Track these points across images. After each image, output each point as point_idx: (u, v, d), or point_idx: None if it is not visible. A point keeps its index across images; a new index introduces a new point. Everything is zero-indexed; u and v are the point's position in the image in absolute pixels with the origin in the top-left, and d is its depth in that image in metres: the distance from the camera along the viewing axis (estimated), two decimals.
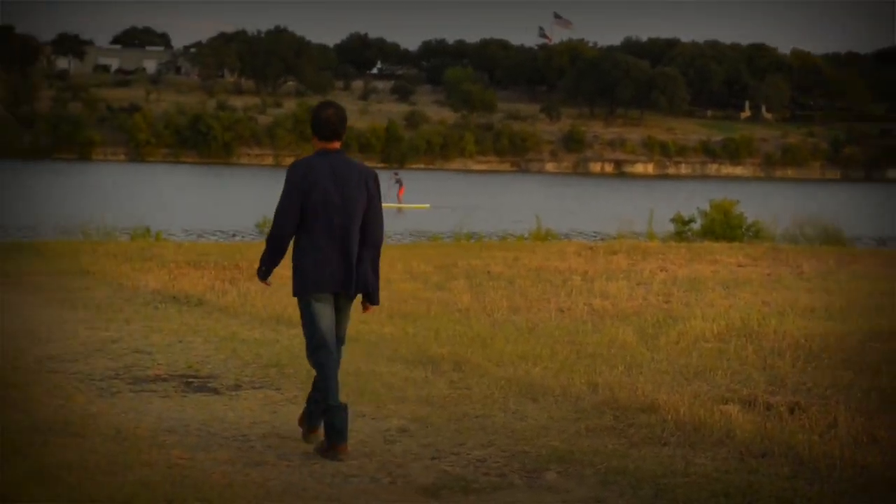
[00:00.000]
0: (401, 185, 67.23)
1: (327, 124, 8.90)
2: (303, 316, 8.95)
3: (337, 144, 8.97)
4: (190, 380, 11.30)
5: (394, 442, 9.22)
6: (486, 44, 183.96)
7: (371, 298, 9.03)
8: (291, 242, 8.95)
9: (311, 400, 9.07)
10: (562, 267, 20.93)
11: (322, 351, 8.82)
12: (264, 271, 9.17)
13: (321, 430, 8.94)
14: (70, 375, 11.35)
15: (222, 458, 8.60)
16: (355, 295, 8.94)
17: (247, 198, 70.22)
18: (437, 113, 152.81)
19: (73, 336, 13.47)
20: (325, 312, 8.85)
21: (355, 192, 8.81)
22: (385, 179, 74.10)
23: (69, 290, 16.97)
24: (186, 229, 46.13)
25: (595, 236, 43.70)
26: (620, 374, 11.51)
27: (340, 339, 9.04)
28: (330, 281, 8.82)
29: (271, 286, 9.67)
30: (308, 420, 9.14)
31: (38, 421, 9.35)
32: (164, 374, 11.50)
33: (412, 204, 65.07)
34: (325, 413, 8.76)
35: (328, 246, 8.79)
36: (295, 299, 9.12)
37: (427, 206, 64.43)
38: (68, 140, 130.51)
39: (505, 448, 9.05)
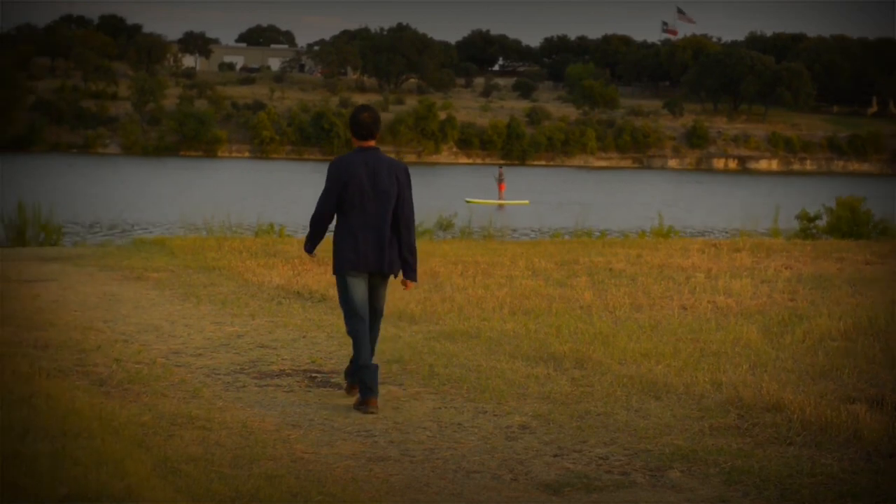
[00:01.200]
0: (502, 181, 67.15)
1: (363, 126, 10.23)
2: (339, 290, 10.30)
3: (372, 142, 10.27)
4: (313, 375, 11.38)
5: (515, 439, 9.21)
6: (608, 39, 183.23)
7: (408, 276, 10.39)
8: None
9: (352, 361, 10.35)
10: (685, 264, 20.75)
11: (355, 320, 10.15)
12: (310, 247, 10.57)
13: (366, 399, 10.03)
14: (196, 370, 11.49)
15: (345, 453, 8.66)
16: (388, 274, 10.27)
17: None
18: (558, 109, 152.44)
19: (199, 331, 13.64)
20: (357, 288, 10.17)
21: (387, 183, 10.14)
22: (489, 175, 74.18)
23: (194, 286, 17.18)
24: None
25: (719, 233, 43.26)
26: (745, 372, 11.37)
27: (379, 311, 10.41)
28: (363, 262, 10.14)
29: (316, 257, 10.94)
30: (350, 377, 10.50)
31: (164, 415, 9.48)
32: (288, 369, 11.59)
33: (512, 200, 64.94)
34: (357, 372, 10.09)
35: (362, 231, 10.14)
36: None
37: (526, 202, 64.20)
38: (194, 137, 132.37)
39: (627, 446, 9.00)
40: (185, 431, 8.97)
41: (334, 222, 10.40)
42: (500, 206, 62.20)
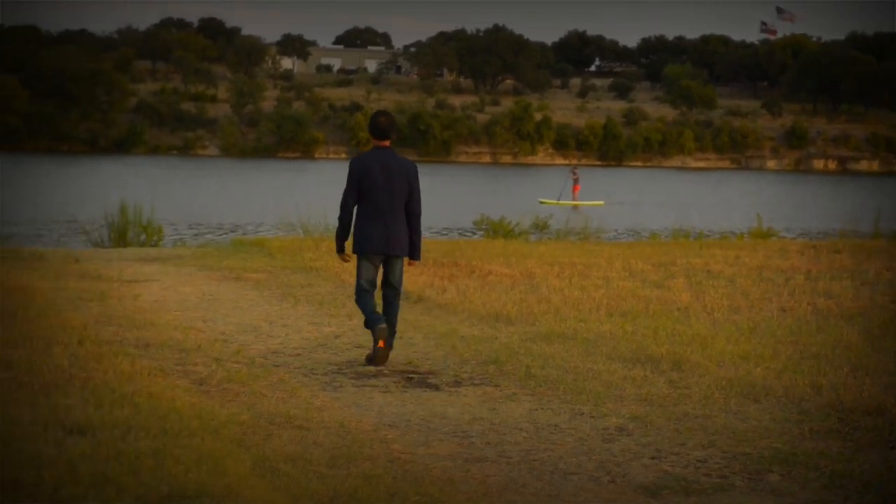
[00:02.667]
0: (576, 182, 66.75)
1: (380, 128, 11.92)
2: (357, 267, 11.96)
3: (387, 142, 11.90)
4: (410, 375, 11.41)
5: (613, 440, 9.17)
6: (706, 39, 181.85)
7: (412, 256, 12.03)
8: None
9: (365, 322, 11.89)
10: (784, 265, 20.54)
11: (363, 293, 11.90)
12: (340, 244, 12.05)
13: (377, 348, 11.67)
14: (294, 370, 11.57)
15: (443, 454, 8.67)
16: (398, 255, 11.90)
17: (465, 195, 70.79)
18: (655, 110, 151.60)
19: (297, 331, 13.73)
20: (369, 267, 11.90)
21: (397, 179, 11.76)
22: (564, 176, 73.99)
23: (292, 286, 17.31)
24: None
25: (818, 235, 42.77)
26: (845, 375, 11.23)
27: (395, 287, 12.05)
28: (375, 245, 11.79)
29: (349, 258, 12.14)
30: (374, 332, 11.73)
31: (262, 414, 9.55)
32: (385, 370, 11.63)
33: (587, 201, 64.54)
34: (366, 325, 11.81)
35: (373, 219, 11.78)
36: None
37: (601, 202, 63.75)
38: (292, 139, 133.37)
39: (726, 449, 8.92)
40: (283, 431, 9.03)
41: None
42: (575, 206, 61.81)
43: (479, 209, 38.45)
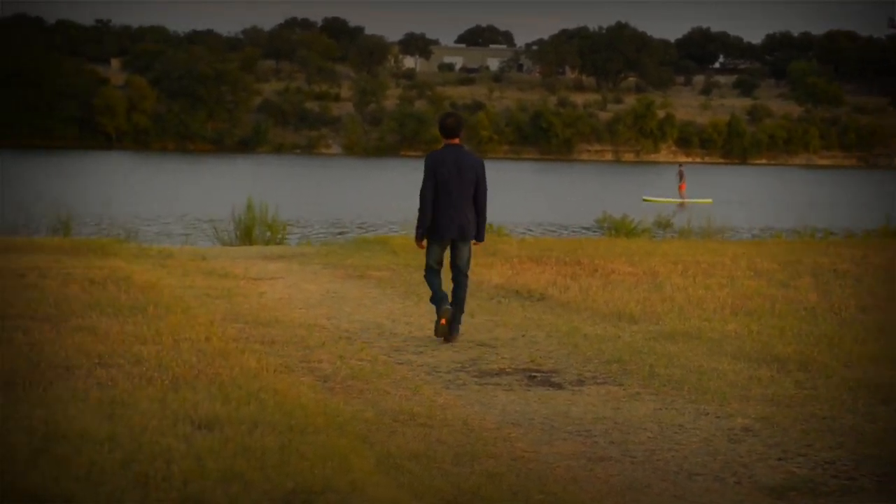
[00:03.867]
0: (683, 179, 65.98)
1: (448, 128, 13.15)
2: (426, 248, 13.26)
3: (456, 140, 13.15)
4: (533, 374, 11.40)
5: (738, 441, 9.08)
6: (832, 36, 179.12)
7: (477, 237, 13.26)
8: None
9: (432, 298, 13.20)
10: None
11: (431, 272, 13.26)
12: (420, 233, 13.23)
13: (444, 323, 12.95)
14: (417, 367, 11.62)
15: (566, 453, 8.65)
16: (465, 239, 13.16)
17: (587, 194, 70.52)
18: (780, 107, 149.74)
19: (420, 329, 13.78)
20: (438, 250, 13.25)
21: (467, 173, 13.03)
22: (665, 174, 73.21)
23: (415, 284, 17.36)
24: (529, 225, 46.67)
25: None
26: None
27: (462, 268, 13.27)
28: (448, 231, 13.10)
29: (424, 248, 13.35)
30: (438, 309, 13.00)
31: (386, 411, 9.61)
32: (508, 368, 11.64)
33: (695, 199, 63.76)
34: (432, 300, 13.11)
35: (446, 209, 13.03)
36: None
37: (709, 200, 62.87)
38: (414, 137, 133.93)
39: (854, 451, 8.78)
40: (407, 428, 9.08)
41: None
42: (681, 204, 61.12)
43: (601, 207, 38.27)
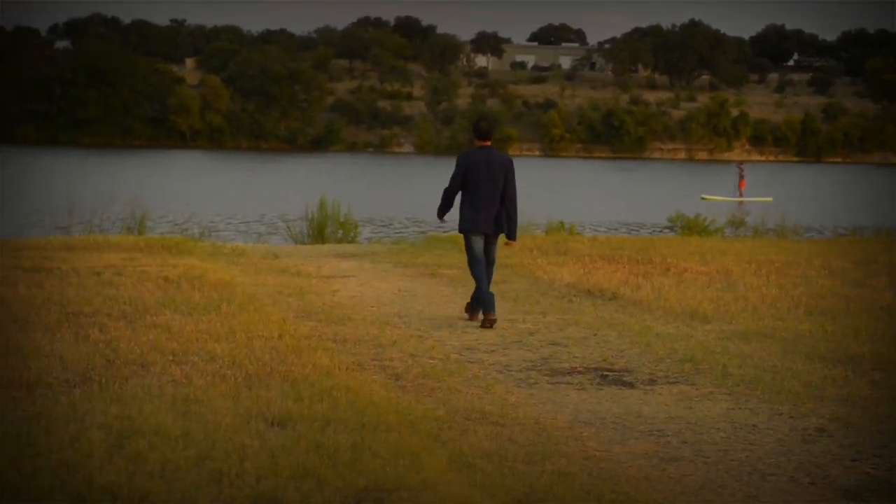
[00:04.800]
0: (742, 178, 65.68)
1: (482, 131, 14.29)
2: (465, 244, 14.39)
3: (488, 143, 14.27)
4: (605, 373, 11.37)
5: (812, 442, 9.00)
6: None
7: (509, 237, 14.37)
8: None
9: (473, 296, 14.18)
10: None
11: (476, 265, 14.19)
12: (442, 214, 14.59)
13: (479, 315, 13.96)
14: (488, 366, 11.62)
15: (638, 452, 8.62)
16: (496, 234, 14.31)
17: (659, 192, 70.18)
18: (855, 105, 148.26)
19: (491, 328, 13.78)
20: (476, 244, 14.25)
21: (497, 172, 14.13)
22: (731, 173, 72.81)
23: None
24: (600, 224, 46.54)
25: None
26: None
27: (492, 260, 14.45)
28: (479, 226, 14.18)
29: (446, 222, 14.98)
30: (472, 309, 14.21)
31: (458, 410, 9.61)
32: (579, 367, 11.61)
33: (754, 197, 63.35)
34: (480, 298, 13.91)
35: (477, 205, 14.14)
36: None
37: (770, 199, 62.37)
38: None
39: None
40: (478, 427, 9.08)
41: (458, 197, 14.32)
42: (740, 203, 60.75)
43: (674, 206, 38.09)
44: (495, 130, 14.53)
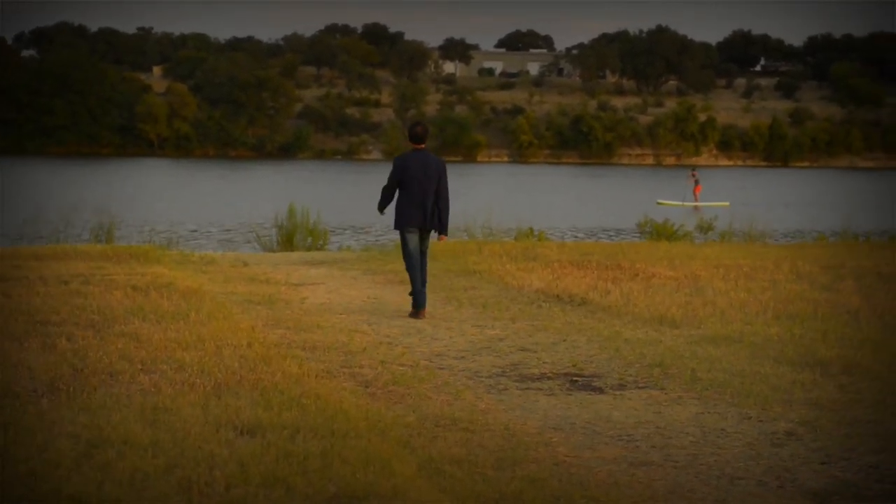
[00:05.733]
0: (697, 183, 66.08)
1: (417, 135, 15.52)
2: (401, 240, 15.59)
3: (423, 146, 15.48)
4: (574, 378, 11.39)
5: (781, 445, 9.04)
6: (874, 37, 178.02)
7: (441, 231, 15.60)
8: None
9: (411, 292, 15.28)
10: None
11: (409, 260, 15.41)
12: (381, 208, 15.84)
13: (424, 312, 15.07)
14: (458, 372, 11.63)
15: (608, 457, 8.64)
16: (429, 228, 15.47)
17: (627, 198, 70.35)
18: (823, 109, 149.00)
19: (461, 334, 13.80)
20: (411, 239, 15.44)
21: (431, 172, 15.38)
22: (683, 178, 73.26)
23: (455, 289, 17.40)
24: (569, 229, 46.63)
25: None
26: None
27: (424, 253, 15.57)
28: (414, 221, 15.37)
29: (384, 214, 16.08)
30: (415, 308, 15.14)
31: (428, 416, 9.62)
32: (549, 373, 11.63)
33: (710, 202, 63.71)
34: (414, 294, 15.14)
35: (414, 202, 15.35)
36: None
37: (726, 203, 62.65)
38: (454, 143, 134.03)
39: None
40: (448, 433, 9.09)
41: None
42: (696, 208, 61.02)
43: (642, 211, 38.19)
44: (428, 135, 15.77)
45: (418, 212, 15.34)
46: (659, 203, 62.87)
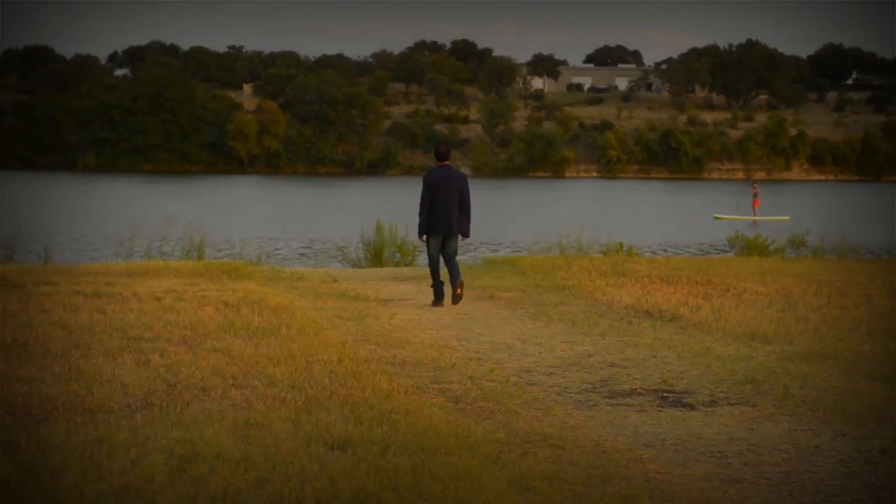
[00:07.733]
0: (756, 196, 65.33)
1: (441, 154, 17.98)
2: (426, 246, 17.93)
3: (447, 162, 17.92)
4: (665, 395, 11.31)
5: (876, 463, 8.91)
6: None
7: (464, 234, 17.93)
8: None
9: (432, 285, 17.73)
10: None
11: (432, 261, 17.91)
12: (421, 233, 17.93)
13: (443, 302, 17.52)
14: (547, 388, 11.59)
15: (699, 474, 8.57)
16: (455, 233, 17.81)
17: (717, 212, 69.82)
18: None
19: (550, 350, 13.76)
20: (434, 244, 17.86)
21: (455, 187, 17.78)
22: (742, 194, 72.40)
23: (545, 305, 17.36)
24: (658, 245, 46.37)
25: None
26: None
27: (452, 253, 17.88)
28: (441, 229, 17.73)
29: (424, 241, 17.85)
30: (436, 294, 17.59)
31: (518, 432, 9.60)
32: (639, 389, 11.56)
33: (769, 217, 62.91)
34: (436, 287, 17.56)
35: (441, 213, 17.70)
36: None
37: (786, 218, 61.83)
38: (542, 158, 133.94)
39: None
40: (538, 449, 9.06)
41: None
42: (755, 222, 60.32)
43: (734, 226, 37.89)
44: (451, 153, 18.12)
45: (444, 222, 17.73)
46: (716, 217, 62.40)
